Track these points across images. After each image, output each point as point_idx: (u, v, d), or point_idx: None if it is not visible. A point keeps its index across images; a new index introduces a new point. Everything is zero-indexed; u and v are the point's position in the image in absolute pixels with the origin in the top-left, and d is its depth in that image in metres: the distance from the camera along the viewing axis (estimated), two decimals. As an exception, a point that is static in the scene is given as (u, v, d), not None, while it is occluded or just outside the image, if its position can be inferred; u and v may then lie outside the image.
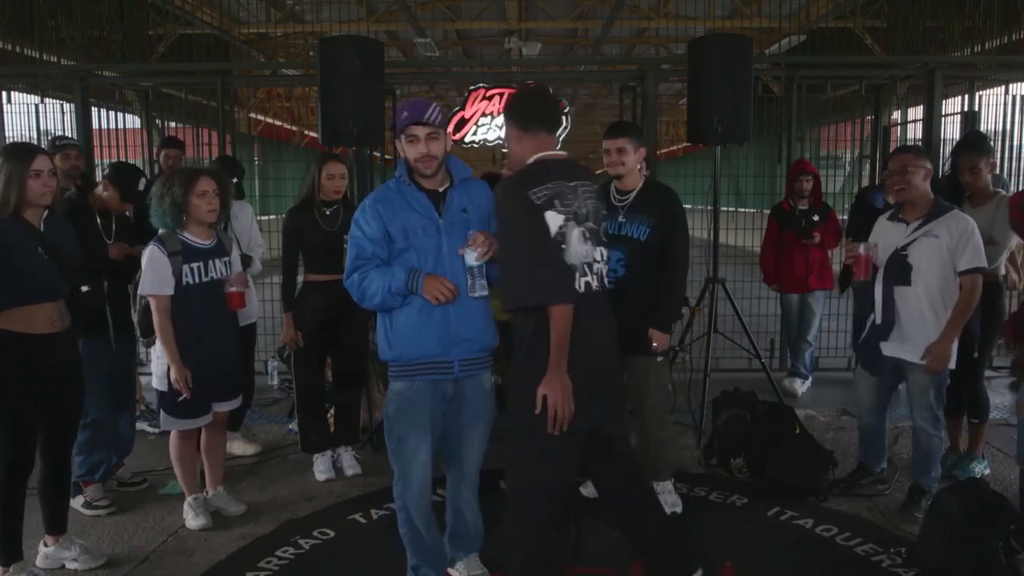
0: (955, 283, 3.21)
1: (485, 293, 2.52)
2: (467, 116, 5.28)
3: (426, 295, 2.44)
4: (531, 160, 2.41)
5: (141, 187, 3.60)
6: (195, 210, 3.18)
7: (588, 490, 3.64)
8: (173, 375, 3.14)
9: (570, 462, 2.46)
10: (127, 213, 3.76)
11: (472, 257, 2.44)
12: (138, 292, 3.22)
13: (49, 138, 6.07)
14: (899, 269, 3.26)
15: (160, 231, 3.24)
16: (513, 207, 2.32)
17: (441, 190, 2.57)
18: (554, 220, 2.32)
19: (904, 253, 3.26)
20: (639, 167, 3.35)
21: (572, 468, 2.52)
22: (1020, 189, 6.23)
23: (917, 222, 3.26)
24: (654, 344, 3.28)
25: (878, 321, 3.35)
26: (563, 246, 2.33)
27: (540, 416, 2.28)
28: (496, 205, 2.44)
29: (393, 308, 2.51)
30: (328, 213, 3.79)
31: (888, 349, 3.36)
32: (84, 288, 3.06)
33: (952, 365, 3.27)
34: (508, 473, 2.52)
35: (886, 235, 3.38)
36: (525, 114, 2.46)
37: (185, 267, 3.16)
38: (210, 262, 3.24)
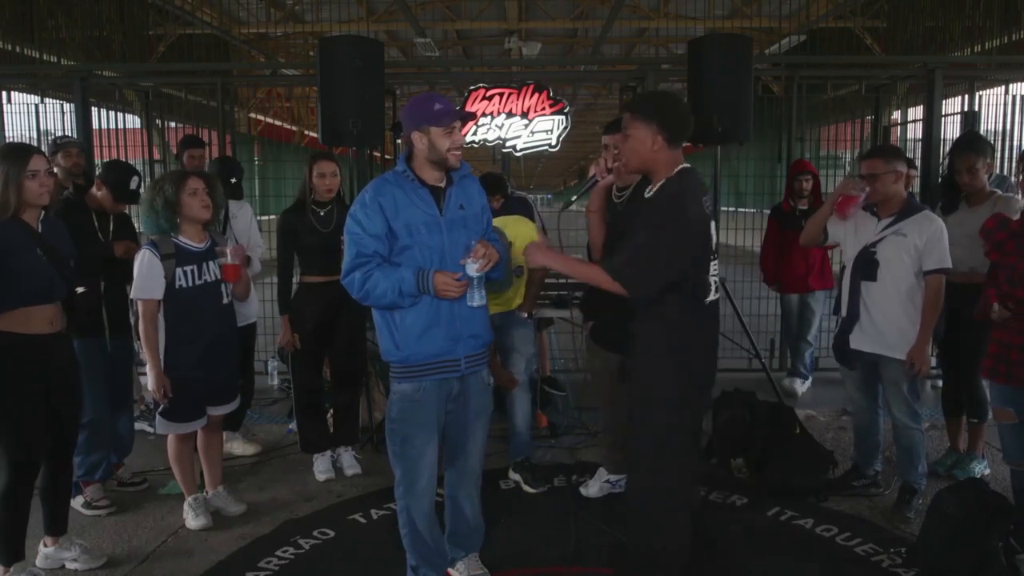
0: (922, 282, 3.26)
1: (484, 303, 2.54)
2: (467, 116, 5.27)
3: (439, 295, 2.44)
4: (680, 169, 2.41)
5: (134, 185, 3.56)
6: (188, 208, 3.16)
7: (588, 490, 3.65)
8: (152, 382, 3.13)
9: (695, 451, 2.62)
10: (126, 211, 3.75)
11: (473, 268, 2.44)
12: (131, 296, 3.20)
13: (49, 138, 6.07)
14: (867, 265, 3.31)
15: (153, 235, 3.21)
16: (684, 211, 2.32)
17: (442, 186, 2.57)
18: (713, 231, 2.42)
19: (873, 250, 3.30)
20: None
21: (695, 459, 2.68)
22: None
23: (888, 219, 3.30)
24: None
25: (843, 313, 3.43)
26: (714, 257, 2.43)
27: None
28: (664, 202, 2.38)
29: (399, 307, 2.49)
30: (322, 214, 3.76)
31: (857, 343, 3.40)
32: (80, 289, 3.06)
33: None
34: (634, 485, 2.54)
35: (858, 222, 3.41)
36: (678, 127, 2.41)
37: (178, 270, 3.14)
38: (204, 265, 3.22)
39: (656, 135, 2.37)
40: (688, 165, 2.44)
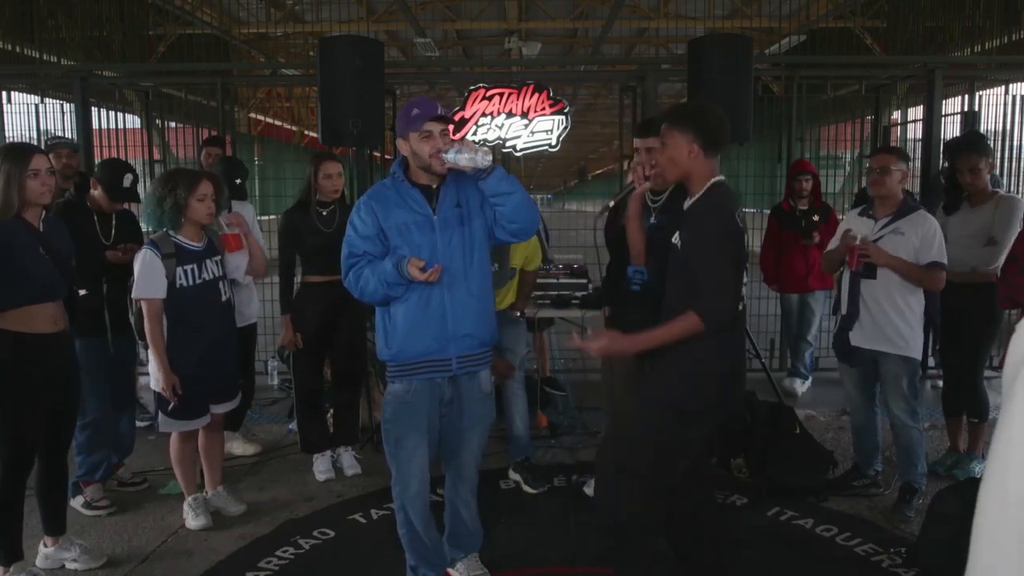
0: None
1: (489, 159, 2.42)
2: (467, 116, 5.26)
3: (412, 275, 2.40)
4: (714, 182, 2.42)
5: (128, 183, 3.53)
6: (193, 212, 3.17)
7: (592, 488, 3.64)
8: (161, 381, 3.14)
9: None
10: (131, 209, 3.74)
11: (452, 153, 2.38)
12: (131, 295, 3.21)
13: (47, 138, 6.07)
14: (867, 264, 3.36)
15: (153, 235, 3.23)
16: (726, 225, 2.35)
17: (435, 186, 2.55)
18: (746, 242, 2.43)
19: None
20: None
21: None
22: (1020, 191, 6.23)
23: (885, 219, 3.37)
24: None
25: (843, 311, 3.48)
26: (746, 267, 2.45)
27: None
28: (702, 219, 2.38)
29: (396, 298, 2.49)
30: (325, 214, 3.77)
31: (857, 340, 3.44)
32: (82, 292, 3.06)
33: (918, 355, 3.40)
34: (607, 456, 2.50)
35: (854, 228, 3.48)
36: (714, 135, 2.41)
37: (179, 269, 3.15)
38: (203, 263, 3.24)
39: (692, 144, 2.39)
40: (721, 178, 2.45)
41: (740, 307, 2.45)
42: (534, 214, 2.59)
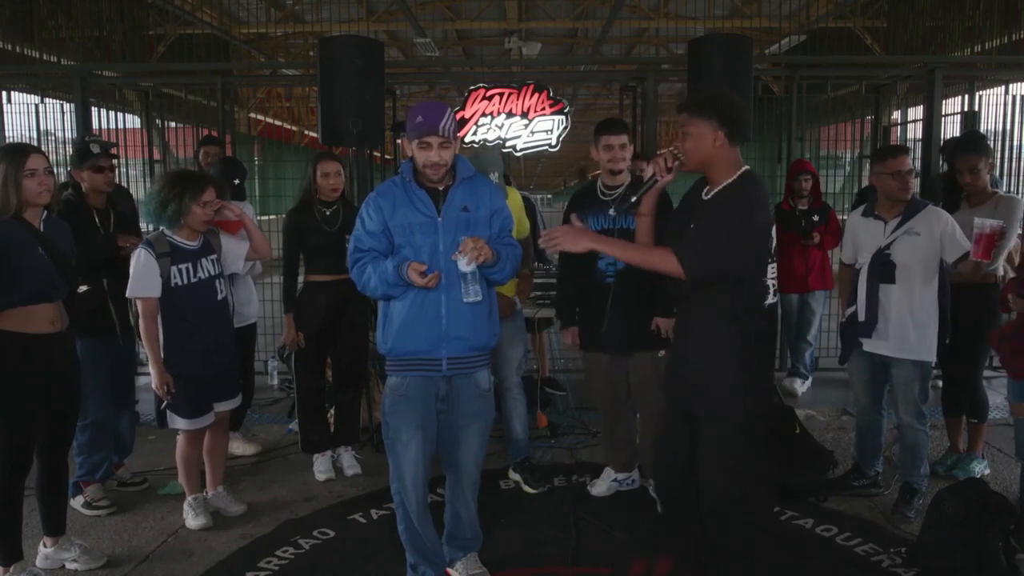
0: (936, 279, 3.28)
1: (479, 299, 2.50)
2: (467, 116, 5.27)
3: (414, 283, 2.45)
4: (745, 170, 2.37)
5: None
6: (192, 217, 3.19)
7: (596, 489, 3.65)
8: (155, 380, 3.14)
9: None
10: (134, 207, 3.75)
11: (463, 263, 2.42)
12: (127, 295, 3.21)
13: (49, 138, 6.07)
14: (883, 268, 3.30)
15: (149, 235, 3.26)
16: (752, 210, 2.30)
17: (442, 188, 2.57)
18: (772, 234, 2.37)
19: (887, 252, 3.30)
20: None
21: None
22: (1020, 192, 6.23)
23: (896, 220, 3.30)
24: (663, 330, 3.28)
25: (861, 318, 3.40)
26: (771, 260, 2.38)
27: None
28: (737, 201, 2.32)
29: (393, 297, 2.54)
30: (328, 213, 3.78)
31: (871, 346, 3.40)
32: (83, 288, 3.06)
33: (932, 358, 3.34)
34: (722, 483, 2.37)
35: (864, 232, 3.43)
36: (739, 124, 2.37)
37: (173, 268, 3.16)
38: (199, 262, 3.25)
39: (717, 131, 2.33)
40: (748, 168, 2.39)
41: (768, 300, 2.37)
42: (513, 272, 2.65)
